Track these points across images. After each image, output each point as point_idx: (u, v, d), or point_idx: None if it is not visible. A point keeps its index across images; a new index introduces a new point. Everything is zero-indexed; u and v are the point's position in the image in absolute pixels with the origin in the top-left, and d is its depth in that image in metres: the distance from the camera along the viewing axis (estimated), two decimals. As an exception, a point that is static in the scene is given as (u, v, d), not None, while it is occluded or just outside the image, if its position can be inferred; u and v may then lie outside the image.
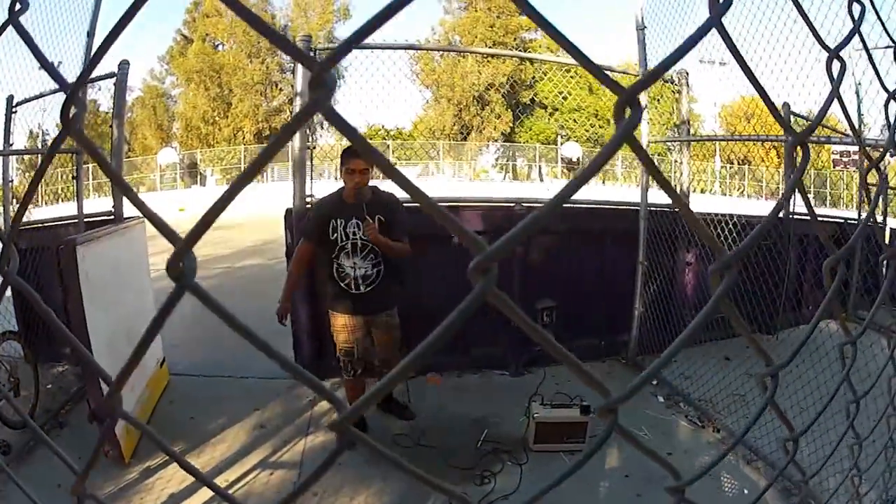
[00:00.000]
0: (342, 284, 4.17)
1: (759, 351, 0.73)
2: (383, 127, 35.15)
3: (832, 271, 0.82)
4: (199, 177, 35.46)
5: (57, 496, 2.53)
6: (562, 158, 35.03)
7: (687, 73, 5.37)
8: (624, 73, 5.72)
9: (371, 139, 33.21)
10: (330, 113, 0.45)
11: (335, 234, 4.09)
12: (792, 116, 5.74)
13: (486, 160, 38.41)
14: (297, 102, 5.32)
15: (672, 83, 5.52)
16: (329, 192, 4.32)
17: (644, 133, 5.62)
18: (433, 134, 36.35)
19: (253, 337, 0.52)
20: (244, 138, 35.16)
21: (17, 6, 0.66)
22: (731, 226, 4.90)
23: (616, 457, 4.10)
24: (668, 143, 5.75)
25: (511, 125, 36.03)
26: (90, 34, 4.87)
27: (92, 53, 4.83)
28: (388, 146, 33.81)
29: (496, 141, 37.28)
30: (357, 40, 0.46)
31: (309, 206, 5.06)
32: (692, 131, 5.95)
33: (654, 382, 5.31)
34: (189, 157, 35.36)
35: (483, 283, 0.50)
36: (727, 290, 0.64)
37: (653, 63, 5.49)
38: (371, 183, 4.15)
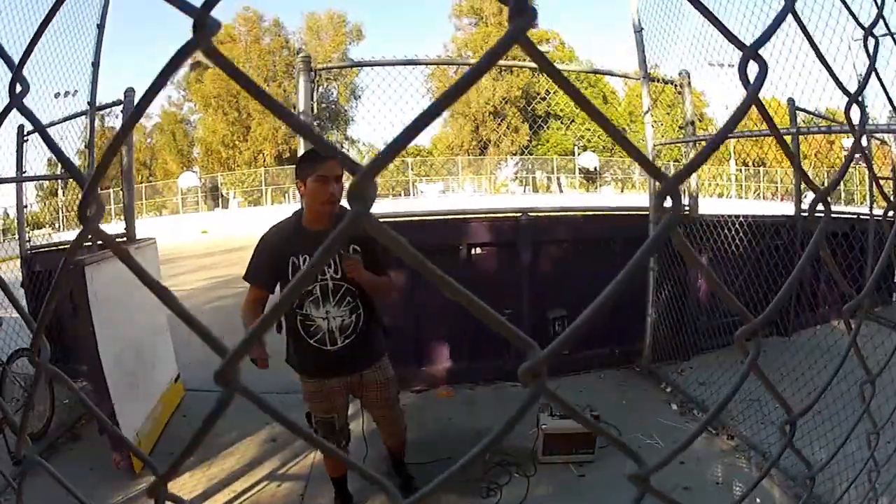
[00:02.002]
0: (311, 342, 3.16)
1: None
2: (402, 145, 35.46)
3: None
4: (220, 199, 35.92)
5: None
6: (580, 169, 35.09)
7: (688, 74, 5.32)
8: (625, 76, 5.67)
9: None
10: (377, 229, 0.45)
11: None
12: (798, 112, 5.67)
13: (505, 174, 38.58)
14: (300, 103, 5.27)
15: (673, 84, 5.49)
16: (281, 220, 3.27)
17: (648, 136, 5.58)
18: (452, 150, 36.56)
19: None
20: (265, 161, 35.63)
21: (18, 88, 0.67)
22: (737, 226, 4.84)
23: (627, 465, 4.04)
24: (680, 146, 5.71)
25: (528, 138, 36.15)
26: (94, 65, 4.99)
27: (97, 84, 5.00)
28: (408, 164, 34.07)
29: (514, 154, 37.41)
30: (392, 152, 0.46)
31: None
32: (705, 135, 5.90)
33: (669, 390, 5.24)
34: (210, 180, 35.87)
35: (534, 388, 0.53)
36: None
37: (651, 63, 5.48)
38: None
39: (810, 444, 3.28)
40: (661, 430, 4.49)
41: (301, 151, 4.92)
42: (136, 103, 0.51)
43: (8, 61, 0.68)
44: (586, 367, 5.76)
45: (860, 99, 0.83)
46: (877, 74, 0.89)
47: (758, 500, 3.58)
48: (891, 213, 0.92)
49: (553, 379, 5.47)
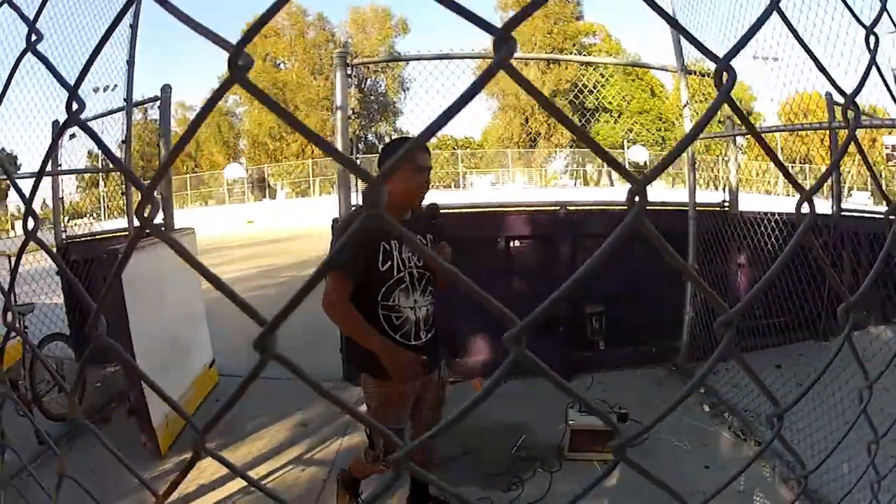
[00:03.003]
0: (397, 336, 2.90)
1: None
2: (452, 137, 35.51)
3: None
4: (268, 190, 36.46)
5: (91, 481, 2.64)
6: (629, 163, 34.71)
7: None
8: (662, 69, 5.55)
9: (440, 149, 33.77)
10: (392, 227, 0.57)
11: (388, 264, 2.86)
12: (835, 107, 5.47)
13: (555, 167, 38.38)
14: (338, 116, 5.34)
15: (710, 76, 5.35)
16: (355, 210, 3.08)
17: (687, 130, 5.42)
18: (502, 142, 36.51)
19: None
20: (312, 153, 35.96)
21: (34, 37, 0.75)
22: (772, 224, 4.70)
23: (651, 469, 3.96)
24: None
25: (578, 131, 35.88)
26: (129, 63, 5.13)
27: (132, 81, 5.18)
28: (458, 156, 34.13)
29: (564, 147, 37.18)
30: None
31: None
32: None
33: (702, 391, 5.13)
34: (257, 171, 36.40)
35: (515, 352, 0.60)
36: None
37: (688, 55, 5.36)
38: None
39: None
40: (691, 432, 4.39)
41: (341, 144, 5.00)
42: (186, 130, 0.56)
43: (64, 84, 0.72)
44: (623, 364, 5.69)
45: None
46: (878, 70, 0.92)
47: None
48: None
49: (587, 375, 5.47)
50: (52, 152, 4.84)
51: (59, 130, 5.11)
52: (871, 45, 0.91)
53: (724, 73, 0.65)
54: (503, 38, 0.50)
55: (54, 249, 5.61)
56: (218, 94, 0.50)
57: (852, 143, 0.85)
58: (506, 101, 36.40)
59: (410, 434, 3.16)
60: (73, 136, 5.38)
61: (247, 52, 0.51)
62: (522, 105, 36.04)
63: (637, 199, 0.59)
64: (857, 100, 0.82)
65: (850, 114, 0.80)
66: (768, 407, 2.95)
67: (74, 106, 0.70)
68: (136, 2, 5.00)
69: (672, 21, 0.71)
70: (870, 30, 0.91)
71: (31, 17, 0.78)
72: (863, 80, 0.86)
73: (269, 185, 36.79)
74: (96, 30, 4.81)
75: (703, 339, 5.53)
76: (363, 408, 3.08)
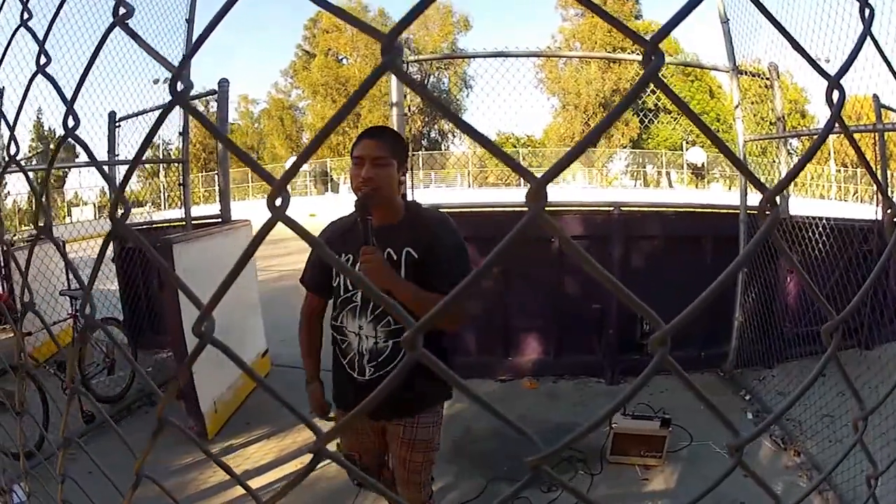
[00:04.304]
0: (343, 362, 2.48)
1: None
2: (513, 135, 35.45)
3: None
4: (330, 184, 36.95)
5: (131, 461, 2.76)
6: (687, 164, 33.99)
7: (776, 66, 5.06)
8: (714, 68, 5.44)
9: (502, 147, 33.47)
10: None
11: (338, 279, 2.49)
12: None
13: (616, 167, 37.93)
14: (394, 112, 5.44)
15: (761, 76, 5.23)
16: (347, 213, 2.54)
17: (739, 131, 5.37)
18: (563, 141, 36.25)
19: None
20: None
21: (122, 10, 0.73)
22: (820, 229, 4.57)
23: (688, 476, 3.94)
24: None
25: (639, 131, 35.38)
26: (186, 57, 5.28)
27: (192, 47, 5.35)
28: (520, 153, 34.06)
29: (625, 147, 36.71)
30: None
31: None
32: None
33: (748, 398, 5.04)
34: (320, 165, 36.92)
35: (660, 354, 0.59)
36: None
37: (739, 55, 5.25)
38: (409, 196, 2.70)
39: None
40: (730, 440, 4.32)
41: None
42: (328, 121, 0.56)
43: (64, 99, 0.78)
44: (669, 369, 5.57)
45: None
46: (877, 46, 0.83)
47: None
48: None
49: (634, 378, 5.36)
50: (112, 143, 5.06)
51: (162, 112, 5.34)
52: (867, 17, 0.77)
53: (835, 91, 0.65)
54: (387, 48, 0.52)
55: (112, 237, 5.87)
56: (373, 79, 0.53)
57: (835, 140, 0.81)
58: (567, 100, 36.10)
59: (389, 473, 2.81)
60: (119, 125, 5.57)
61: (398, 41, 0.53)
62: (584, 103, 35.70)
63: (769, 208, 0.61)
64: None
65: (836, 94, 0.72)
66: (811, 416, 2.89)
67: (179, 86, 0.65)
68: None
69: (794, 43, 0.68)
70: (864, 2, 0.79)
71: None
72: (851, 58, 0.74)
73: (332, 179, 37.26)
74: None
75: (749, 346, 5.43)
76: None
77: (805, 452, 4.11)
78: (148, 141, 0.76)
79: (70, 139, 0.79)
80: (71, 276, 5.23)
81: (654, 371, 0.59)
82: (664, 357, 0.59)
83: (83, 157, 7.37)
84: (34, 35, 0.91)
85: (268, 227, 0.57)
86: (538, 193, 0.54)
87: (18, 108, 1.07)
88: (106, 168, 5.76)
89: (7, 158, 1.01)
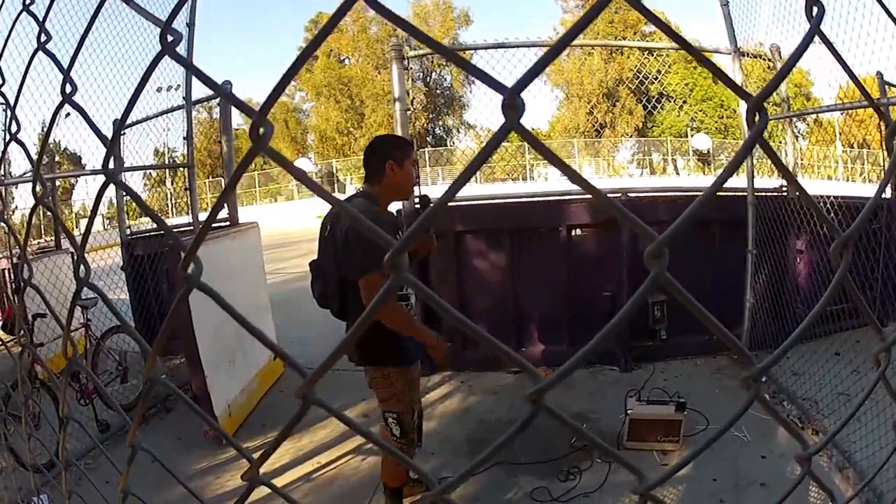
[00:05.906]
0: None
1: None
2: (519, 127, 35.55)
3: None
4: (337, 185, 37.04)
5: (150, 468, 2.78)
6: (693, 151, 33.90)
7: (778, 48, 5.03)
8: (715, 51, 5.40)
9: (509, 141, 33.51)
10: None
11: None
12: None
13: (622, 156, 37.86)
14: (397, 108, 5.46)
15: (762, 58, 5.20)
16: (358, 200, 3.20)
17: (743, 115, 5.30)
18: (569, 133, 36.22)
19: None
20: (381, 148, 36.37)
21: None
22: (828, 206, 4.54)
23: (708, 458, 3.91)
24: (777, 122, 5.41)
25: (643, 120, 35.29)
26: (189, 25, 5.25)
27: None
28: (525, 147, 34.06)
29: (630, 136, 36.64)
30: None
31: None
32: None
33: (763, 379, 5.01)
34: (326, 166, 36.99)
35: (752, 392, 0.62)
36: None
37: (741, 38, 5.22)
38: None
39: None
40: (749, 422, 4.26)
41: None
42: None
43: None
44: (684, 353, 5.62)
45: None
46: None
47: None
48: None
49: (649, 364, 5.42)
50: (112, 150, 5.08)
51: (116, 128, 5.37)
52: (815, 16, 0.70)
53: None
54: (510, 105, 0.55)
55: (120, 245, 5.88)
56: (494, 143, 0.57)
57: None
58: (571, 91, 36.04)
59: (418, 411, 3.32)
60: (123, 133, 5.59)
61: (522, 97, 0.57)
62: (588, 94, 35.63)
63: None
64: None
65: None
66: (826, 394, 2.88)
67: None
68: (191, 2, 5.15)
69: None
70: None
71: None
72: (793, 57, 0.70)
73: (339, 180, 37.33)
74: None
75: (762, 327, 5.41)
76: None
77: (823, 430, 4.08)
78: (144, 81, 0.77)
79: (68, 104, 0.80)
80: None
81: (654, 286, 0.58)
82: (662, 273, 0.57)
83: (90, 167, 7.41)
84: (35, 17, 0.92)
85: (252, 154, 0.61)
86: (513, 102, 0.56)
87: (19, 87, 1.08)
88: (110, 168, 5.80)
89: (8, 136, 1.02)
